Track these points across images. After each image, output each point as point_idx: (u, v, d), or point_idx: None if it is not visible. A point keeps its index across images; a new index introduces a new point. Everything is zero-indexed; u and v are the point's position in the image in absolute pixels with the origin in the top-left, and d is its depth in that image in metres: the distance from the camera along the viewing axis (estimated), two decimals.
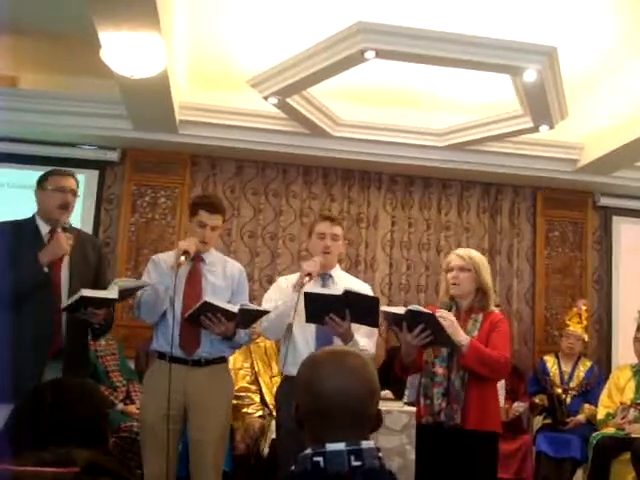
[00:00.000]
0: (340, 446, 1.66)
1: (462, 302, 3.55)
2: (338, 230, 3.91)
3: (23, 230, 3.58)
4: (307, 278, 3.63)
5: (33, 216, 3.66)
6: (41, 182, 3.66)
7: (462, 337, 3.33)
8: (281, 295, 3.76)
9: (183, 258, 3.59)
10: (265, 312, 3.74)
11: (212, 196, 4.47)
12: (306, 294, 3.41)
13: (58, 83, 5.75)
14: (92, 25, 3.97)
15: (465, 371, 3.37)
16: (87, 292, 3.33)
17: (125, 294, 3.55)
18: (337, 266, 3.95)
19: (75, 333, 3.56)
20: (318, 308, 3.41)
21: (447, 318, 3.34)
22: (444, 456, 3.38)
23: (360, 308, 3.42)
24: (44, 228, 3.59)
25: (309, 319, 3.49)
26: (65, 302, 3.48)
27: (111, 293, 3.42)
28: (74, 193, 3.65)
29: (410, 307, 3.31)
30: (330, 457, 1.65)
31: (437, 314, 3.33)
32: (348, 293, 3.39)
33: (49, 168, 5.86)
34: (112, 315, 3.74)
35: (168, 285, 3.63)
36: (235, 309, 3.57)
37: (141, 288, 3.63)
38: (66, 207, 3.58)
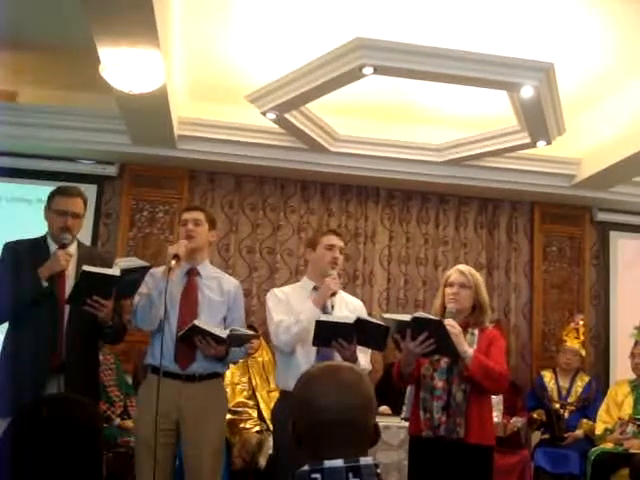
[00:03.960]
0: (338, 463, 1.64)
1: (457, 317, 3.54)
2: (343, 244, 3.91)
3: (36, 248, 3.64)
4: (333, 297, 3.70)
5: (46, 234, 3.71)
6: (48, 201, 3.70)
7: (467, 349, 3.34)
8: (286, 309, 3.73)
9: (174, 262, 3.59)
10: (255, 336, 3.72)
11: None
12: (319, 322, 3.40)
13: (57, 98, 5.77)
14: (91, 41, 3.99)
15: (467, 384, 3.36)
16: (89, 268, 3.36)
17: (128, 276, 3.49)
18: None
19: (78, 347, 3.55)
20: (327, 334, 3.41)
21: (455, 327, 3.35)
22: (441, 470, 3.36)
23: (369, 334, 3.43)
24: (53, 246, 3.63)
25: (316, 343, 3.48)
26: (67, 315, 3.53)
27: (113, 271, 3.43)
28: (76, 215, 3.67)
29: (416, 314, 3.31)
30: (328, 474, 1.63)
31: (445, 322, 3.34)
32: (360, 321, 3.40)
33: (47, 182, 6.02)
34: (123, 323, 3.76)
35: (161, 290, 3.59)
36: (224, 334, 3.55)
37: (144, 269, 3.59)
38: (66, 230, 3.60)
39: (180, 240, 3.77)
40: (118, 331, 3.75)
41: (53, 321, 3.50)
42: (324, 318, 3.46)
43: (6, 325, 3.63)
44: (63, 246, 3.56)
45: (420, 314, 3.34)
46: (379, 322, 3.46)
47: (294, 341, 3.65)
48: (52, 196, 3.69)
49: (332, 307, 3.77)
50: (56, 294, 3.53)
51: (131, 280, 3.54)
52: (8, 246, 3.65)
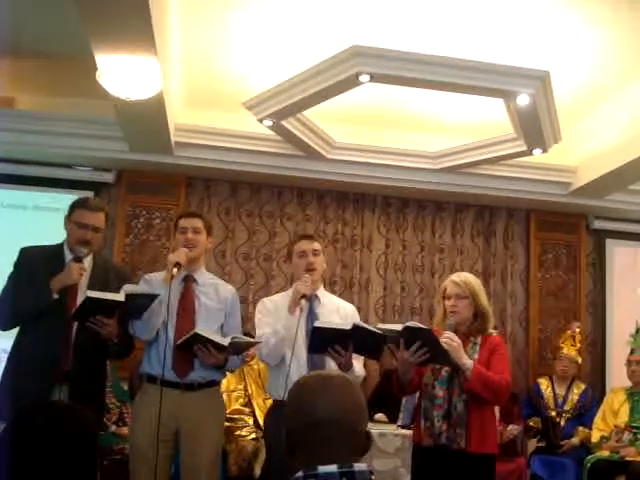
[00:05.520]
0: (332, 468, 1.64)
1: (460, 327, 3.53)
2: (317, 245, 3.84)
3: (52, 256, 3.62)
4: (303, 301, 3.61)
5: (63, 243, 3.69)
6: (69, 211, 3.67)
7: (467, 361, 3.34)
8: (275, 318, 3.69)
9: (175, 270, 3.56)
10: (256, 343, 3.71)
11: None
12: (316, 328, 3.38)
13: (54, 104, 5.77)
14: (89, 47, 4.00)
15: (468, 394, 3.36)
16: (92, 293, 3.33)
17: (134, 301, 3.46)
18: (321, 287, 3.90)
19: (85, 358, 3.52)
20: (323, 340, 3.38)
21: (454, 340, 3.35)
22: (444, 478, 3.36)
23: (365, 342, 3.40)
24: (69, 256, 3.61)
25: (312, 350, 3.47)
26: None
27: (117, 296, 3.39)
28: (96, 229, 3.64)
29: (407, 324, 3.30)
30: (322, 479, 1.64)
31: (444, 336, 3.34)
32: (357, 328, 3.38)
33: (44, 189, 6.02)
34: (131, 339, 3.71)
35: (162, 299, 3.57)
36: (226, 342, 3.51)
37: (150, 298, 3.52)
38: (85, 243, 3.58)
39: (180, 248, 3.72)
40: (124, 347, 3.70)
41: (61, 331, 3.48)
42: (320, 324, 3.44)
43: (15, 331, 3.62)
44: (78, 259, 3.54)
45: (411, 323, 3.33)
46: (375, 330, 3.44)
47: (274, 352, 3.61)
48: (74, 207, 3.66)
49: (309, 305, 3.71)
50: (67, 305, 3.49)
51: (137, 304, 3.51)
52: (23, 252, 3.64)
